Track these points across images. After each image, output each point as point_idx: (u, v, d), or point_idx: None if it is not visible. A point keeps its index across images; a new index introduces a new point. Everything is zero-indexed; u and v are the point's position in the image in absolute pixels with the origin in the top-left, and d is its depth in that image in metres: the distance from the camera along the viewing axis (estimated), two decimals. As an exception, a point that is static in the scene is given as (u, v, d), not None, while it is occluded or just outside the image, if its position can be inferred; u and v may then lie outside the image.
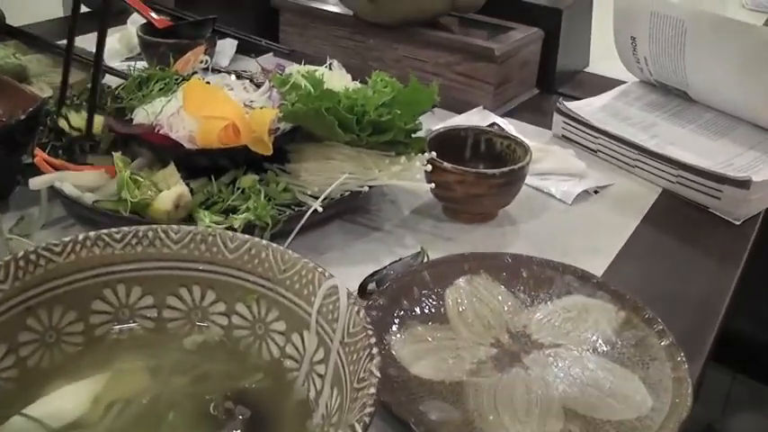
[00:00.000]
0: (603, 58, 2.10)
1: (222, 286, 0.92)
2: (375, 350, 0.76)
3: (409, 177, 1.33)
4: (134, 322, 0.93)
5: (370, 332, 0.78)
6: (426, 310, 1.14)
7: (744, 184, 1.43)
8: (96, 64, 1.38)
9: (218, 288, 0.93)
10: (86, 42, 1.89)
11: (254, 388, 0.86)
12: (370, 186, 1.32)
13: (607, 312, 1.14)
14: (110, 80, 1.69)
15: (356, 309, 0.81)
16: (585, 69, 2.17)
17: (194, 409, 0.83)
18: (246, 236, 0.91)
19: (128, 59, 2.03)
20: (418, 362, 1.05)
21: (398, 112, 1.33)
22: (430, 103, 1.39)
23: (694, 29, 1.64)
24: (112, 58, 1.98)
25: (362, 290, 1.17)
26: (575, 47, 2.08)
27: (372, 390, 0.71)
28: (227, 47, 2.08)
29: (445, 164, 1.34)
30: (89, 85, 1.41)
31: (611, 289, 1.16)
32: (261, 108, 1.39)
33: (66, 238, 0.88)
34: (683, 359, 1.04)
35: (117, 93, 1.51)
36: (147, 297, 0.93)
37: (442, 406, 0.99)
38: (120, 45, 2.08)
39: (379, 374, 0.73)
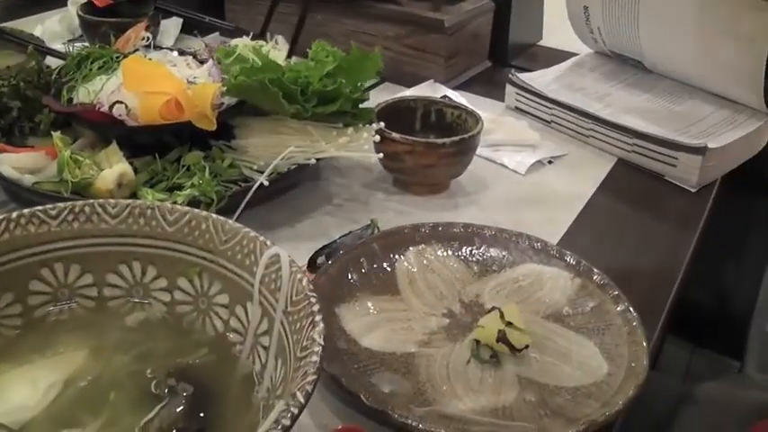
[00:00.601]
0: (556, 31, 2.09)
1: (163, 261, 0.90)
2: (318, 317, 0.73)
3: (357, 149, 1.31)
4: (74, 302, 0.90)
5: (313, 299, 0.75)
6: (376, 282, 1.12)
7: (699, 150, 1.42)
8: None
9: (159, 263, 0.90)
10: (26, 25, 1.87)
11: (198, 364, 0.84)
12: (317, 159, 1.30)
13: (562, 280, 1.12)
14: (52, 63, 1.65)
15: (299, 276, 0.79)
16: (539, 43, 2.16)
17: (136, 388, 0.80)
18: (186, 207, 0.89)
19: (70, 41, 1.99)
20: (369, 334, 1.03)
21: (343, 81, 1.30)
22: (375, 71, 1.37)
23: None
24: (53, 41, 1.94)
25: (312, 264, 1.15)
26: (527, 19, 2.06)
27: (315, 357, 0.69)
28: (171, 26, 2.05)
29: (394, 134, 1.32)
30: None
31: (565, 256, 1.15)
32: (203, 83, 1.36)
33: (-1, 216, 0.86)
34: (639, 323, 1.02)
35: (57, 73, 1.47)
36: (86, 275, 0.90)
37: (394, 377, 0.97)
38: (61, 27, 2.04)
39: (322, 342, 0.71)
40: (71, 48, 1.58)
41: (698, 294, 1.62)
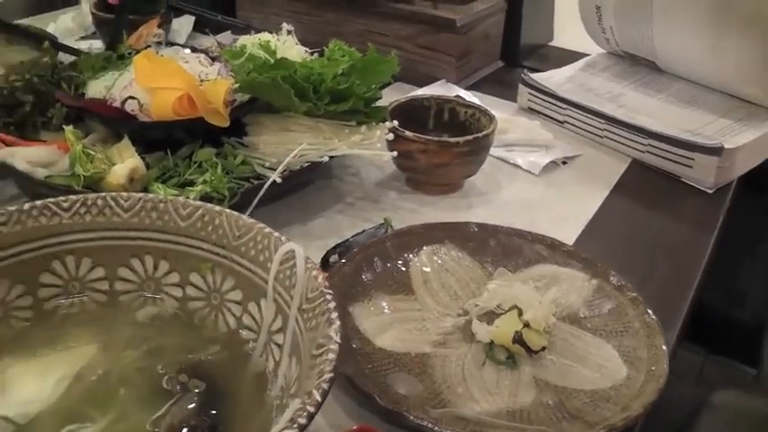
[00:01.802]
0: (566, 31, 2.08)
1: (175, 256, 0.89)
2: (334, 315, 0.72)
3: (370, 147, 1.30)
4: (85, 295, 0.89)
5: (329, 296, 0.74)
6: (390, 282, 1.11)
7: (715, 151, 1.41)
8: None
9: (172, 258, 0.89)
10: (39, 22, 1.86)
11: (210, 360, 0.83)
12: (330, 157, 1.28)
13: (578, 281, 1.11)
14: (65, 59, 1.65)
15: (314, 273, 0.77)
16: (550, 43, 2.14)
17: (146, 383, 0.79)
18: (199, 202, 0.88)
19: (82, 38, 1.99)
20: (383, 334, 1.02)
21: (357, 81, 1.29)
22: (390, 73, 1.37)
23: (661, -5, 1.61)
24: (66, 37, 1.93)
25: (325, 262, 1.14)
26: (538, 20, 2.05)
27: (331, 355, 0.68)
28: (183, 24, 2.04)
29: (407, 132, 1.31)
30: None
31: (582, 257, 1.14)
32: (213, 81, 1.35)
33: (12, 207, 0.85)
34: (658, 326, 1.01)
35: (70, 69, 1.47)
36: (97, 269, 0.89)
37: (408, 378, 0.96)
38: (74, 24, 2.04)
39: (339, 340, 0.69)
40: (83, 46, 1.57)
41: (711, 298, 1.60)
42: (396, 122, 1.31)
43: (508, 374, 0.97)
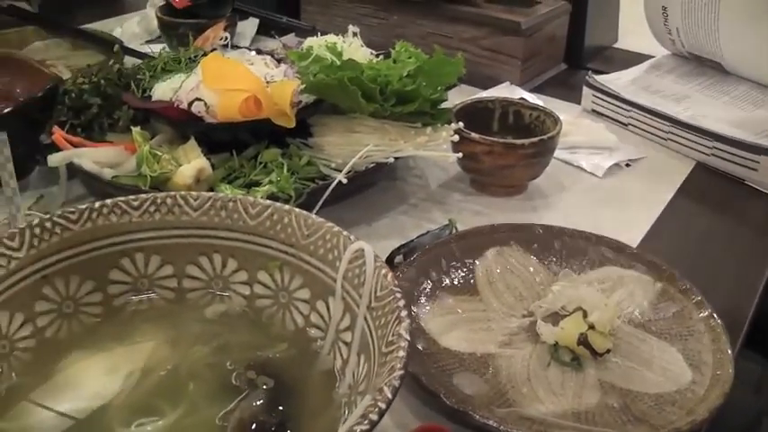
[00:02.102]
0: (630, 33, 2.07)
1: (244, 254, 0.90)
2: (404, 313, 0.72)
3: (436, 148, 1.30)
4: (153, 292, 0.91)
5: (399, 295, 0.74)
6: (456, 282, 1.11)
7: (781, 153, 1.39)
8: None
9: (240, 256, 0.90)
10: (105, 27, 1.89)
11: (278, 358, 0.83)
12: (395, 158, 1.29)
13: (643, 284, 1.10)
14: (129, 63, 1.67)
15: (383, 271, 0.77)
16: (614, 45, 2.13)
17: (215, 379, 0.80)
18: (268, 201, 0.88)
19: (148, 42, 2.01)
20: (448, 334, 1.02)
21: (423, 83, 1.30)
22: (456, 75, 1.37)
23: (728, -4, 1.60)
24: (132, 41, 1.96)
25: (390, 263, 1.14)
26: (602, 22, 2.04)
27: (402, 353, 0.68)
28: (247, 27, 2.06)
29: (473, 134, 1.31)
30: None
31: (647, 260, 1.13)
32: (278, 82, 1.36)
33: (83, 206, 0.86)
34: (723, 330, 1.00)
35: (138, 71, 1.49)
36: (166, 266, 0.91)
37: (473, 378, 0.96)
38: (140, 28, 2.07)
39: (408, 337, 0.70)
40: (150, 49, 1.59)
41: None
42: (461, 124, 1.31)
43: (573, 376, 0.97)
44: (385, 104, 1.28)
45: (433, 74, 1.34)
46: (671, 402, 0.92)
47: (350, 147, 1.27)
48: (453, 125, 1.31)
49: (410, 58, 1.37)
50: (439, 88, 1.35)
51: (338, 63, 1.32)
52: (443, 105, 1.38)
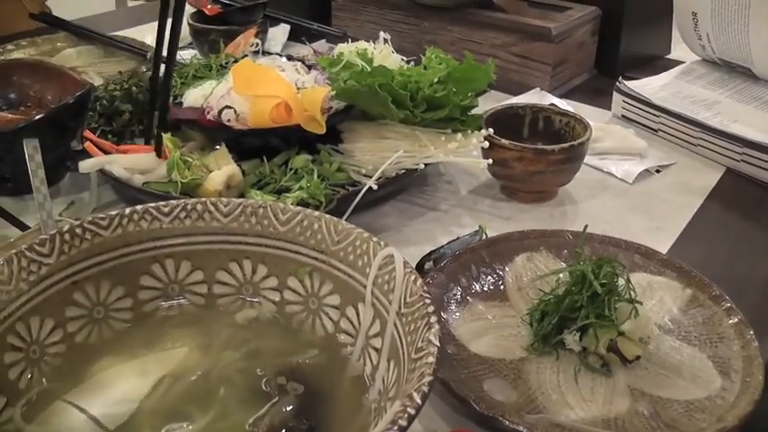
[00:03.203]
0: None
1: (274, 260, 0.90)
2: (433, 318, 0.72)
3: (466, 154, 1.30)
4: (183, 298, 0.91)
5: (428, 300, 0.75)
6: (485, 288, 1.11)
7: (811, 159, 1.39)
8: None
9: (270, 262, 0.90)
10: (138, 33, 1.90)
11: (308, 364, 0.84)
12: (425, 164, 1.29)
13: (673, 290, 1.10)
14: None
15: (413, 277, 0.78)
16: (668, 56, 2.09)
17: (246, 384, 0.81)
18: (298, 207, 0.89)
19: (182, 47, 2.02)
20: (478, 339, 1.02)
21: (453, 89, 1.30)
22: (486, 81, 1.37)
23: (759, 1, 1.59)
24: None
25: (420, 269, 1.14)
26: (645, 30, 2.01)
27: (431, 359, 0.68)
28: (278, 34, 2.06)
29: (503, 140, 1.30)
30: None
31: (676, 266, 1.12)
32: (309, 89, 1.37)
33: (114, 212, 0.87)
34: (753, 337, 0.99)
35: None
36: (196, 272, 0.91)
37: (503, 384, 0.96)
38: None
39: (438, 343, 0.70)
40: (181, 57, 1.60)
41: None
42: (491, 130, 1.31)
43: (603, 382, 0.96)
44: (415, 110, 1.28)
45: (464, 80, 1.35)
46: (701, 409, 0.92)
47: (380, 153, 1.28)
48: (483, 132, 1.31)
49: (440, 64, 1.38)
50: (469, 94, 1.36)
51: (369, 69, 1.32)
52: (474, 111, 1.38)
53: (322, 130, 1.27)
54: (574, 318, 0.99)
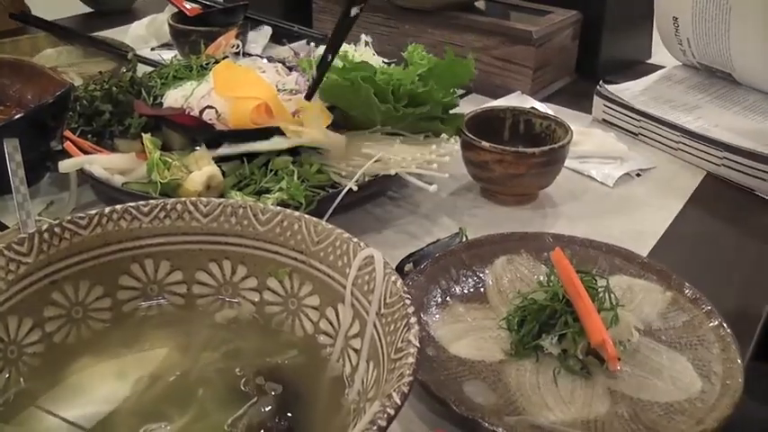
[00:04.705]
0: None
1: (253, 260, 0.90)
2: (413, 319, 0.72)
3: (432, 166, 1.29)
4: (163, 298, 0.91)
5: (408, 301, 0.74)
6: (466, 290, 1.11)
7: (792, 164, 1.39)
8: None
9: (250, 262, 0.90)
10: (117, 35, 1.89)
11: (287, 364, 0.83)
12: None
13: (653, 293, 1.10)
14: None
15: (393, 278, 0.78)
16: (649, 61, 2.09)
17: (224, 385, 0.80)
18: (278, 207, 0.89)
19: (157, 48, 2.02)
20: (457, 341, 1.02)
21: (435, 86, 1.30)
22: (467, 78, 1.37)
23: (740, 7, 1.59)
24: (138, 45, 1.97)
25: (400, 271, 1.14)
26: (625, 35, 2.02)
27: (411, 359, 0.68)
28: (260, 36, 2.06)
29: (483, 143, 1.30)
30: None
31: (656, 269, 1.12)
32: (290, 91, 1.37)
33: (93, 211, 0.87)
34: (733, 340, 0.99)
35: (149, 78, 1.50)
36: (175, 272, 0.91)
37: (483, 386, 0.96)
38: (147, 32, 2.07)
39: (418, 344, 0.70)
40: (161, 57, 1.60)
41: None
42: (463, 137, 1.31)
43: (582, 384, 0.96)
44: (397, 105, 1.28)
45: (445, 75, 1.35)
46: (680, 412, 0.92)
47: (359, 157, 1.28)
48: (452, 144, 1.32)
49: (422, 60, 1.38)
50: (451, 91, 1.36)
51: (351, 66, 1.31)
52: (455, 111, 1.38)
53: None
54: (553, 323, 0.99)
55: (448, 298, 1.09)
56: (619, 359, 0.97)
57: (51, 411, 0.78)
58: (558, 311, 0.99)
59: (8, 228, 1.13)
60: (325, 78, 1.31)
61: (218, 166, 1.25)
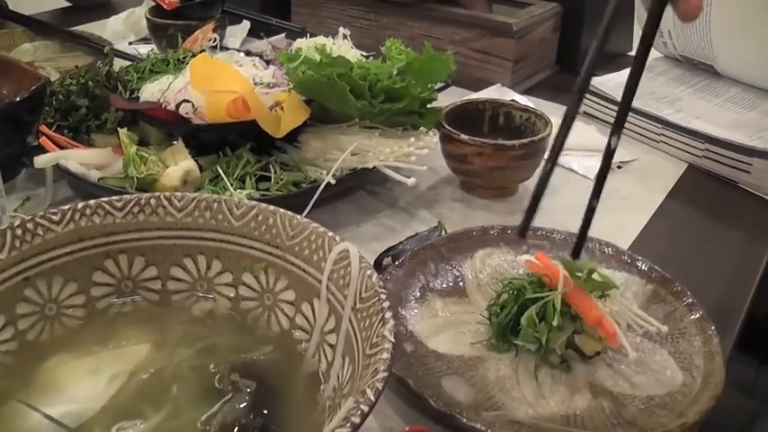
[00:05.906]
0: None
1: (228, 255, 0.89)
2: (388, 314, 0.71)
3: (409, 159, 1.28)
4: (137, 295, 0.90)
5: (383, 296, 0.74)
6: (444, 284, 1.10)
7: (773, 156, 1.38)
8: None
9: (225, 257, 0.89)
10: (95, 29, 1.88)
11: (263, 360, 0.83)
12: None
13: (634, 286, 1.09)
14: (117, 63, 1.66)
15: (368, 272, 0.77)
16: (629, 53, 2.07)
17: (199, 382, 0.79)
18: (253, 201, 0.88)
19: (134, 42, 2.00)
20: (436, 336, 1.01)
21: (413, 81, 1.29)
22: (446, 73, 1.36)
23: (721, -1, 1.59)
24: (116, 39, 1.96)
25: (378, 265, 1.13)
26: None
27: (385, 354, 0.67)
28: (238, 30, 2.05)
29: (462, 135, 1.30)
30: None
31: (638, 262, 1.12)
32: (267, 84, 1.36)
33: (66, 207, 0.85)
34: (714, 333, 0.99)
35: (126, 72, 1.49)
36: (150, 268, 0.90)
37: (461, 381, 0.95)
38: (125, 27, 2.05)
39: (393, 339, 0.69)
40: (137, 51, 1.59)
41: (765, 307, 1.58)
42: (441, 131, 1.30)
43: (562, 379, 0.95)
44: (374, 101, 1.27)
45: (423, 71, 1.34)
46: (661, 405, 0.91)
47: (337, 150, 1.27)
48: (430, 139, 1.31)
49: (400, 54, 1.37)
50: (429, 86, 1.35)
51: (327, 61, 1.31)
52: (433, 105, 1.37)
53: (279, 135, 1.26)
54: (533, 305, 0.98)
55: (427, 292, 1.08)
56: (599, 353, 0.97)
57: (31, 405, 0.77)
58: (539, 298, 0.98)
59: (-18, 224, 1.12)
60: (300, 73, 1.30)
61: (195, 161, 1.24)
